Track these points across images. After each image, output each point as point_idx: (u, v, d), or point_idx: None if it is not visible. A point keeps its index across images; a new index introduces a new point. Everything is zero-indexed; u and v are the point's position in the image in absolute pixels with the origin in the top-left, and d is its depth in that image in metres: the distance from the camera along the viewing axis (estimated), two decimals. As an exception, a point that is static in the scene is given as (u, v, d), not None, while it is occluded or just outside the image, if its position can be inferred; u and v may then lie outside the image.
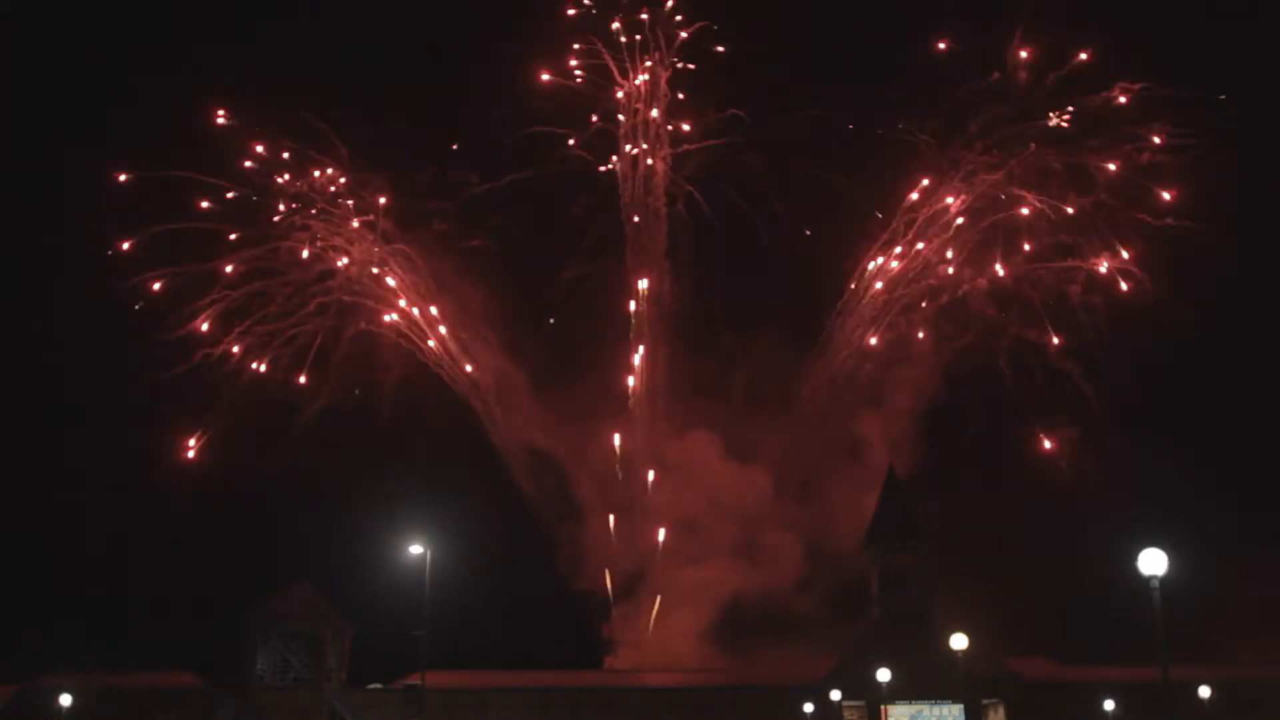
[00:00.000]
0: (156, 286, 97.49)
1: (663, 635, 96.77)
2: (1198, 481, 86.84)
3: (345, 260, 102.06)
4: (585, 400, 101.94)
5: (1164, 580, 27.49)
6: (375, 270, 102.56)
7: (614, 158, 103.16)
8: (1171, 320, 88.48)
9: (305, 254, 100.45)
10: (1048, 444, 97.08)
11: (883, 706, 78.68)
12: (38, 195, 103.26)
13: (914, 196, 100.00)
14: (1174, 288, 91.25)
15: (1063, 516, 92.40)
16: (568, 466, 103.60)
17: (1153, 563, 27.44)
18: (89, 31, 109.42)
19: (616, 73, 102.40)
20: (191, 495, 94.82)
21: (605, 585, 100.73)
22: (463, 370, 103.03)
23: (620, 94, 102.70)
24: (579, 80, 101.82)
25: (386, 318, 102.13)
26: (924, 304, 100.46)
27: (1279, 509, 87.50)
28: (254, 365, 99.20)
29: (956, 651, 56.59)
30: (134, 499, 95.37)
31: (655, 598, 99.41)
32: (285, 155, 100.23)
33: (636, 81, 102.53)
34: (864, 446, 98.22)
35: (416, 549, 49.57)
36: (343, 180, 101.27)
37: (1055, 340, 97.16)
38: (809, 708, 77.87)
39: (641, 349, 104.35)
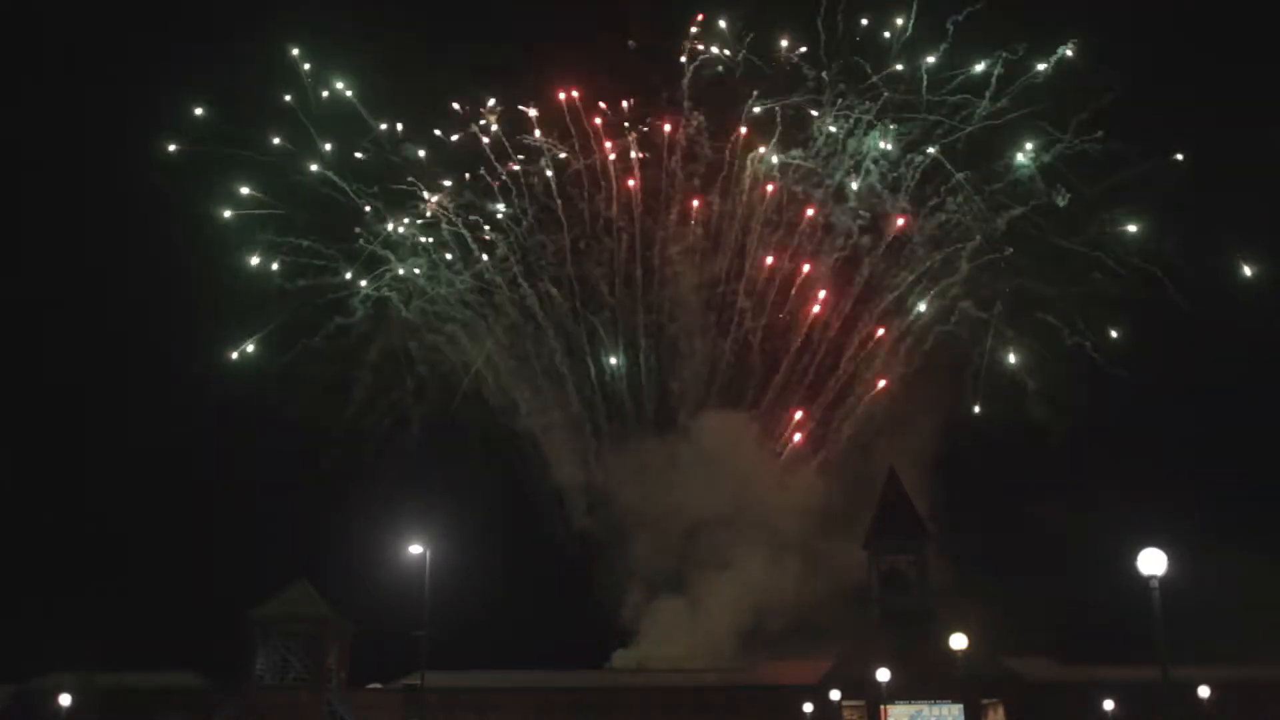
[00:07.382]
0: None
1: (673, 637, 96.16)
2: (1197, 481, 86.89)
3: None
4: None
5: (1164, 580, 27.45)
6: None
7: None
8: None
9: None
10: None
11: (882, 706, 78.52)
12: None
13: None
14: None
15: (1063, 516, 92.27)
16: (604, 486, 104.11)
17: (1153, 563, 27.39)
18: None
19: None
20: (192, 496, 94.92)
21: (617, 586, 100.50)
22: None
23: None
24: None
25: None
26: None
27: (1278, 509, 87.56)
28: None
29: (956, 651, 56.59)
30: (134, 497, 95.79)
31: (678, 600, 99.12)
32: None
33: None
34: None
35: (416, 549, 49.57)
36: None
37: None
38: (809, 708, 77.88)
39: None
